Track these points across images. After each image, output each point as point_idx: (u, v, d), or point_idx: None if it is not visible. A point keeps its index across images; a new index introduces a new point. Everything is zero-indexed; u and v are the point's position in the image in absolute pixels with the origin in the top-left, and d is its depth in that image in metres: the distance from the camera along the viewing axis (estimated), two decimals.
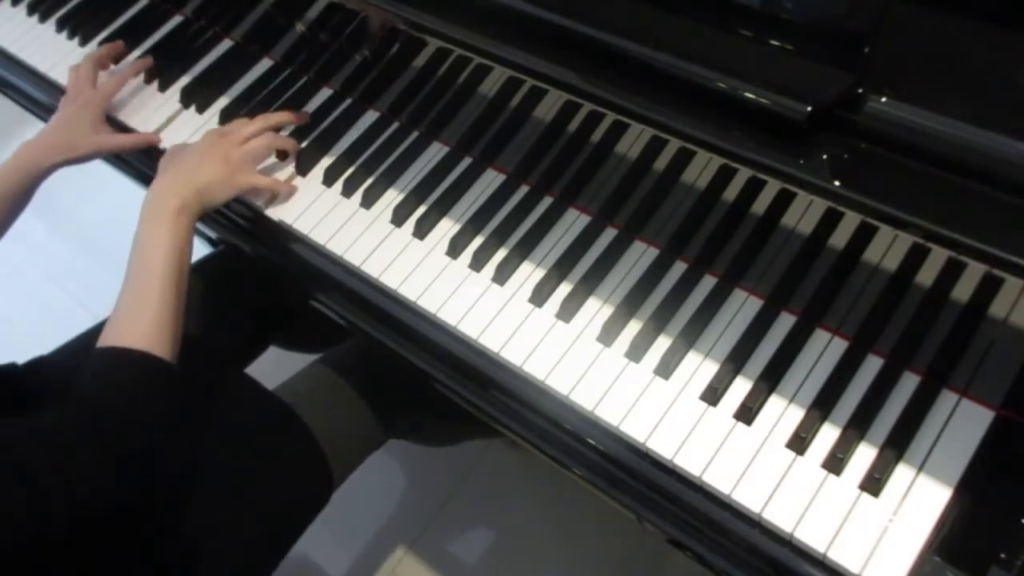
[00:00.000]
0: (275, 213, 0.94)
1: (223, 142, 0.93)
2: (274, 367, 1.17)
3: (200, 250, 0.95)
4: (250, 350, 1.19)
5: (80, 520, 0.68)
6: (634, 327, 0.78)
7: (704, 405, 0.73)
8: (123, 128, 1.09)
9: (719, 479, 0.69)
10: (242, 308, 1.14)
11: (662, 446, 0.72)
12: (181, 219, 0.85)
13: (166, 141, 1.05)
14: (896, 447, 0.67)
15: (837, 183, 0.65)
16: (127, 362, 0.77)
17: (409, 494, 1.57)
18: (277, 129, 0.98)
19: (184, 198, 0.86)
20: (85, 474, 0.69)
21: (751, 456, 0.70)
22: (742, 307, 0.77)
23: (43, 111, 1.18)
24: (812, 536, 0.65)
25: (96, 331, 1.06)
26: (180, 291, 0.82)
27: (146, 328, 0.78)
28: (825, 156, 0.66)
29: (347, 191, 0.94)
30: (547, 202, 0.88)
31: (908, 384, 0.70)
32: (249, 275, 1.13)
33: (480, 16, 0.81)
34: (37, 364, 1.01)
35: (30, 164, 0.99)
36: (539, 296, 0.82)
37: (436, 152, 0.95)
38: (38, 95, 1.18)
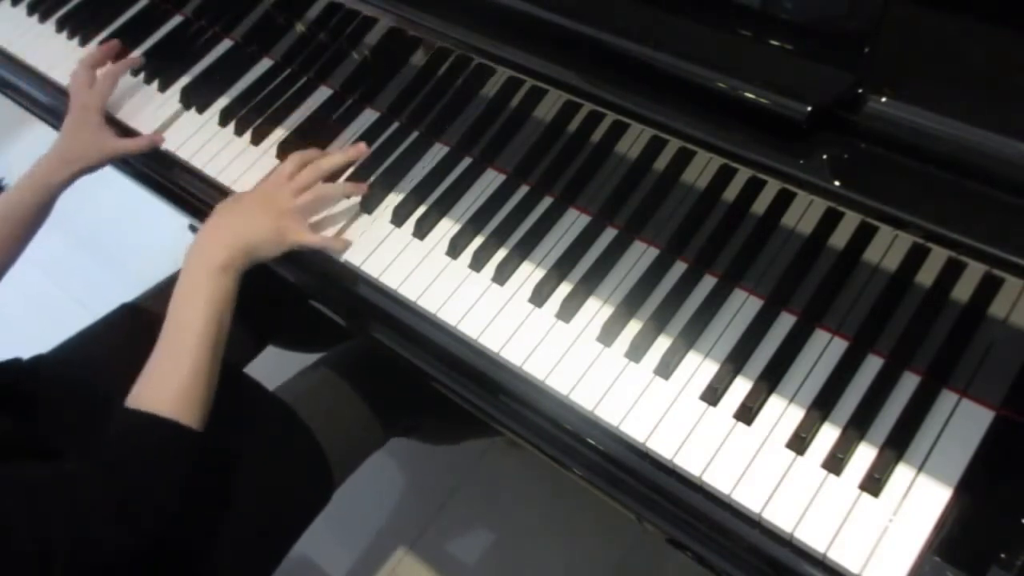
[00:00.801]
0: None
1: (278, 196, 0.88)
2: (274, 367, 1.17)
3: None
4: (249, 349, 1.19)
5: (81, 572, 0.67)
6: (634, 327, 0.78)
7: (704, 405, 0.73)
8: (125, 129, 1.08)
9: (719, 479, 0.69)
10: (241, 307, 1.14)
11: (662, 446, 0.72)
12: (226, 276, 0.82)
13: (167, 141, 1.05)
14: (896, 447, 0.67)
15: (837, 183, 0.65)
16: (153, 428, 0.75)
17: (409, 494, 1.57)
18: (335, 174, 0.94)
19: (231, 254, 0.83)
20: (94, 533, 0.69)
21: (751, 456, 0.70)
22: (742, 307, 0.77)
23: (43, 111, 1.18)
24: (812, 536, 0.65)
25: (93, 329, 1.07)
26: (217, 354, 0.81)
27: (176, 393, 0.76)
28: (825, 156, 0.66)
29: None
30: (547, 202, 0.88)
31: (908, 384, 0.70)
32: (247, 274, 1.13)
33: (480, 16, 0.81)
34: (36, 362, 1.01)
35: (44, 180, 1.00)
36: (539, 296, 0.81)
37: (436, 152, 0.95)
38: (38, 95, 1.18)
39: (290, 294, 1.13)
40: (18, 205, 0.99)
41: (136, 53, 1.15)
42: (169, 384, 0.77)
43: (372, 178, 0.94)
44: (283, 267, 0.94)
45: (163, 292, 1.09)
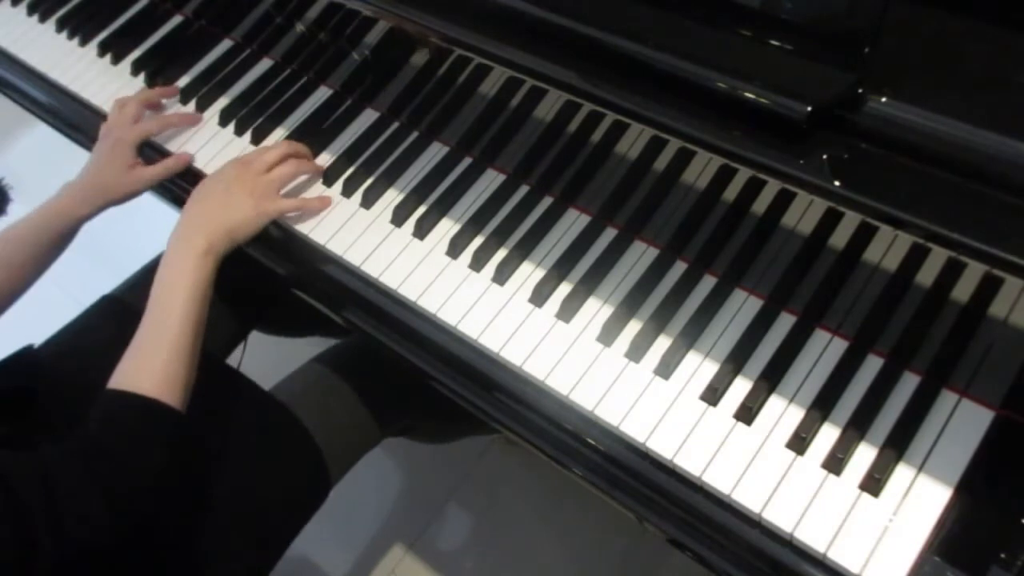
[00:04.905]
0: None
1: (248, 173, 0.91)
2: (271, 366, 1.17)
3: None
4: (232, 338, 1.19)
5: (68, 557, 0.67)
6: (634, 327, 0.78)
7: (704, 405, 0.73)
8: (153, 148, 1.06)
9: (719, 479, 0.69)
10: (224, 296, 1.12)
11: (662, 446, 0.72)
12: (207, 261, 0.84)
13: (167, 142, 1.05)
14: (896, 447, 0.67)
15: (837, 183, 0.65)
16: (134, 407, 0.76)
17: (409, 494, 1.57)
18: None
19: (212, 239, 0.85)
20: (77, 514, 0.68)
21: (751, 456, 0.70)
22: (742, 307, 0.77)
23: (43, 111, 1.18)
24: (812, 536, 0.65)
25: (85, 321, 1.06)
26: (197, 336, 0.82)
27: (158, 373, 0.77)
28: (825, 156, 0.66)
29: (347, 191, 0.94)
30: (547, 202, 0.88)
31: (908, 384, 0.70)
32: (231, 261, 1.12)
33: (480, 16, 0.81)
34: (27, 354, 1.00)
35: (72, 208, 0.98)
36: (539, 296, 0.81)
37: (436, 152, 0.95)
38: (38, 95, 1.18)
39: (271, 279, 1.12)
40: (42, 230, 0.96)
41: (136, 53, 1.15)
42: (151, 365, 0.78)
43: (372, 178, 0.94)
44: (280, 265, 0.95)
45: (143, 282, 1.08)
